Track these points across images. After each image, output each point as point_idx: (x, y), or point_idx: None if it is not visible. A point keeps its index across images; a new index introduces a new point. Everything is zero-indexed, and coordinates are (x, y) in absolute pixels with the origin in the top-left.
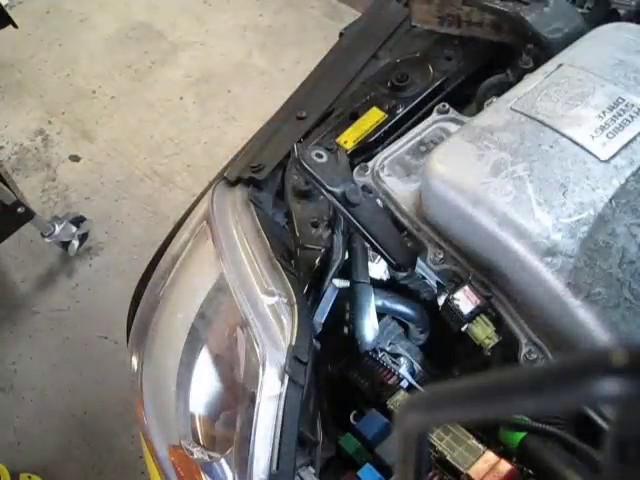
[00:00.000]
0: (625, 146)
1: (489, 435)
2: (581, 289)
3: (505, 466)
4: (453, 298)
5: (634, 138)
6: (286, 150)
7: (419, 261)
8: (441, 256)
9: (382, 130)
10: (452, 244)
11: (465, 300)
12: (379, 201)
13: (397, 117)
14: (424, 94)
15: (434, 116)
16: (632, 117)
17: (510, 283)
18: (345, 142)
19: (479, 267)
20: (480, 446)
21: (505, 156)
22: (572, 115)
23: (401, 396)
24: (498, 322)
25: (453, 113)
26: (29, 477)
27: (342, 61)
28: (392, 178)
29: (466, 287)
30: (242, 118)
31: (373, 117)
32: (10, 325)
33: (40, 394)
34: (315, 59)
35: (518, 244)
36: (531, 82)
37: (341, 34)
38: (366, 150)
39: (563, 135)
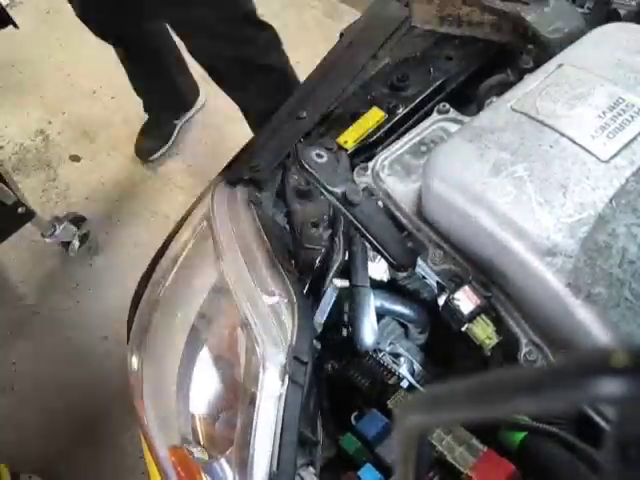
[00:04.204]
0: (625, 146)
1: (489, 435)
2: (581, 289)
3: (505, 466)
4: (453, 298)
5: (634, 138)
6: (286, 150)
7: (419, 261)
8: (441, 256)
9: (382, 130)
10: (452, 244)
11: (465, 300)
12: (379, 202)
13: (397, 117)
14: (424, 94)
15: (434, 116)
16: (632, 117)
17: (510, 283)
18: (345, 142)
19: (479, 267)
20: (480, 446)
21: (505, 156)
22: (572, 115)
23: (401, 396)
24: (498, 322)
25: (453, 113)
26: (29, 477)
27: (342, 61)
28: (392, 178)
29: (466, 287)
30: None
31: (373, 117)
32: (10, 325)
33: (40, 394)
34: (315, 59)
35: (518, 244)
36: (531, 82)
37: (341, 34)
38: (366, 150)
39: (563, 135)
